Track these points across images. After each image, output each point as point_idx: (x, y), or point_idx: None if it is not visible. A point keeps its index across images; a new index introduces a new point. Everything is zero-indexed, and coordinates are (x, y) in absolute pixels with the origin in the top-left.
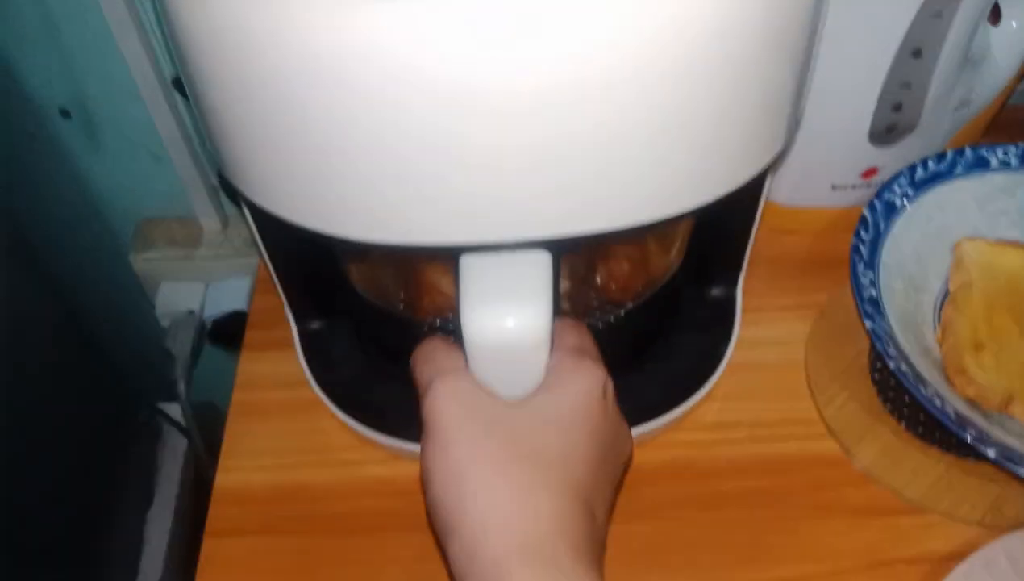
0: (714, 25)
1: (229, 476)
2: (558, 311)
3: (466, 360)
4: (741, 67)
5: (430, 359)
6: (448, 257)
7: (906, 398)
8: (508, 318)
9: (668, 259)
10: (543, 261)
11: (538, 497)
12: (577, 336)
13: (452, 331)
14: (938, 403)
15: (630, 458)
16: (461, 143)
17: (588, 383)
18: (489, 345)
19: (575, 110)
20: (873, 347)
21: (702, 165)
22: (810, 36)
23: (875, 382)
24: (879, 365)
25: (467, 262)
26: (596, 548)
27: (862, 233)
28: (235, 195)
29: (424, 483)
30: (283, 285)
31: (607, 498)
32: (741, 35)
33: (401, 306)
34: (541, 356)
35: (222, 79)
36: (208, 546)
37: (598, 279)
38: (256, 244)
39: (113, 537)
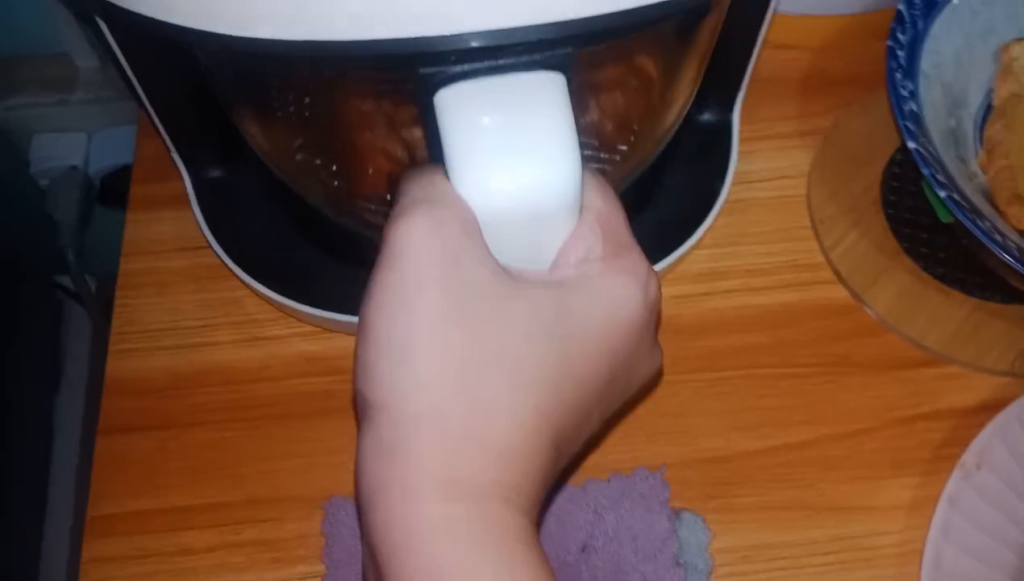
0: None
1: (122, 363)
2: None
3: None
4: None
5: (425, 183)
6: (406, 99)
7: (924, 235)
8: (522, 172)
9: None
10: (556, 86)
11: (493, 422)
12: (609, 202)
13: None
14: (999, 239)
15: (657, 377)
16: None
17: (626, 291)
18: (494, 217)
19: None
20: (887, 178)
21: None
22: None
23: (889, 218)
24: (893, 199)
25: (447, 99)
26: (541, 490)
27: (899, 34)
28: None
29: (360, 327)
30: (162, 119)
31: (591, 425)
32: None
33: (332, 182)
34: (567, 226)
35: None
36: (102, 445)
37: (591, 115)
38: (120, 69)
39: (17, 426)
